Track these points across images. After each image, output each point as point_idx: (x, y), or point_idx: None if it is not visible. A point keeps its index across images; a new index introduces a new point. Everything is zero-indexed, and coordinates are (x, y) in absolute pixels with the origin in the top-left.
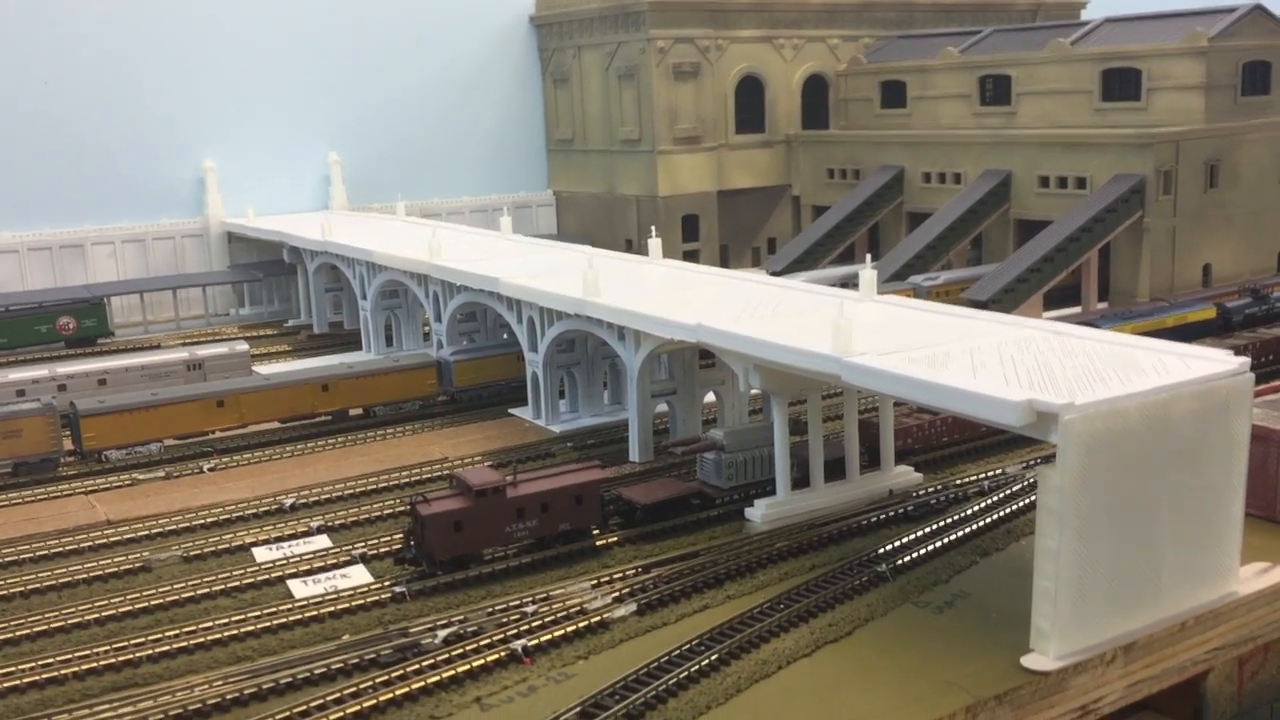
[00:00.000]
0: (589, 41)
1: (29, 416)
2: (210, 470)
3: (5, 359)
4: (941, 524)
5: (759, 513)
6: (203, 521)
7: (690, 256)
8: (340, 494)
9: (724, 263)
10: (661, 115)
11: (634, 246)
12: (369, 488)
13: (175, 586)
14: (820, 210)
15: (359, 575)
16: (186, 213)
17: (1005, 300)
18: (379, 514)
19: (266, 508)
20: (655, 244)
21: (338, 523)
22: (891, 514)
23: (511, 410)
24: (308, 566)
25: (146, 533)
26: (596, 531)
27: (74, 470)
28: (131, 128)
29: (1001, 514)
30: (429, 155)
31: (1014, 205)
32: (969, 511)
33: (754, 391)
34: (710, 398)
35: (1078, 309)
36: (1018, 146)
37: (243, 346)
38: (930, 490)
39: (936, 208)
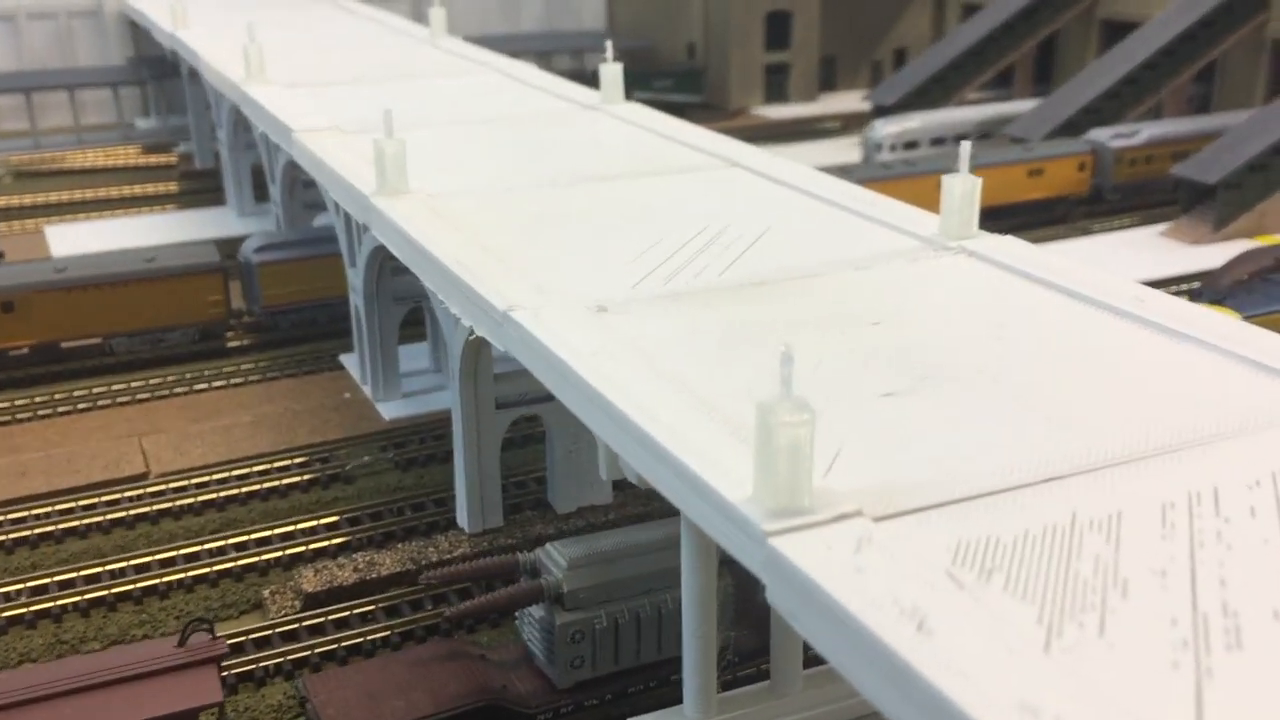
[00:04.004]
0: None
1: None
2: None
3: None
4: None
5: None
6: None
7: (776, 72)
8: None
9: (828, 84)
10: None
11: (696, 54)
12: None
13: None
14: (972, 10)
15: None
16: None
17: (1244, 188)
18: None
19: None
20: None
21: None
22: None
23: (344, 357)
24: None
25: None
26: None
27: None
28: None
29: None
30: None
31: (1276, 17)
32: None
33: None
34: None
35: None
36: None
37: None
38: None
39: (1148, 16)
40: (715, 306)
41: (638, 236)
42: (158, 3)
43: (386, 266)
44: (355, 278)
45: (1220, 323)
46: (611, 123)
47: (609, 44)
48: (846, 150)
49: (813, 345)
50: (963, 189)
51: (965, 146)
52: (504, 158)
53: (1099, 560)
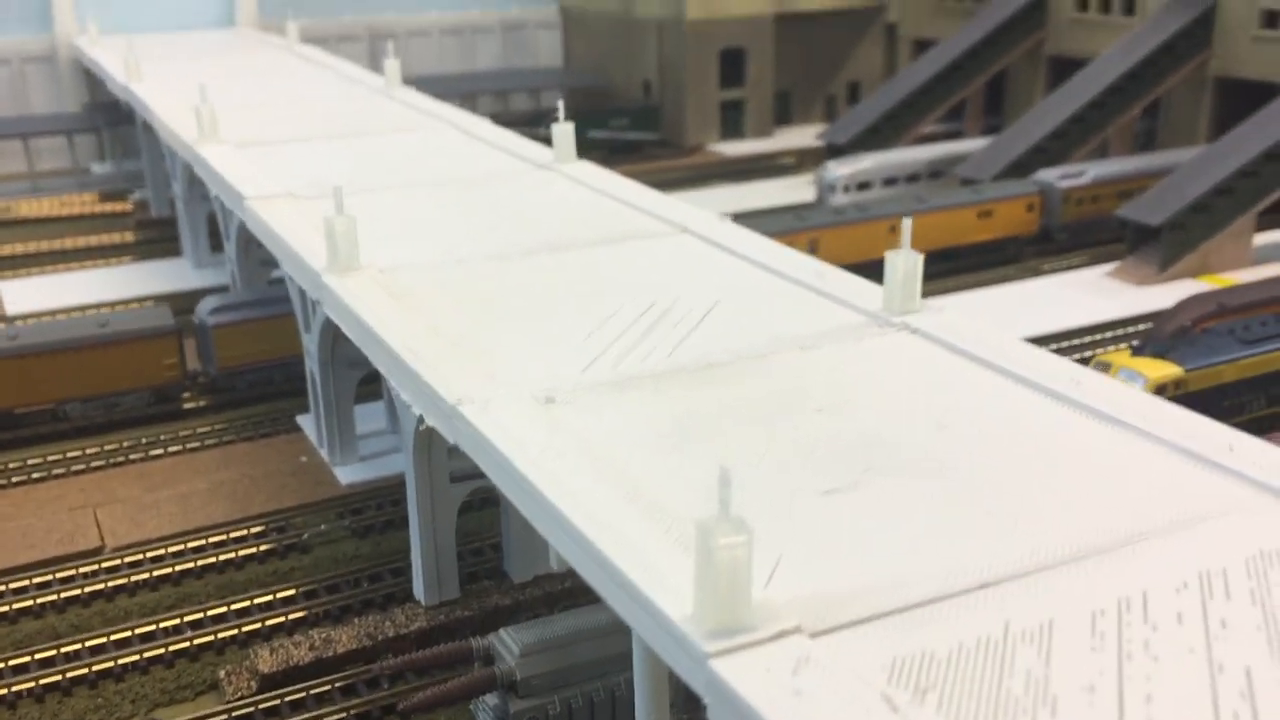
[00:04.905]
0: None
1: None
2: None
3: None
4: None
5: None
6: None
7: (732, 108)
8: None
9: (783, 118)
10: None
11: (652, 92)
12: None
13: None
14: (925, 47)
15: None
16: (28, 28)
17: (1188, 228)
18: None
19: None
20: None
21: None
22: None
23: (300, 418)
24: None
25: None
26: None
27: None
28: None
29: None
30: None
31: (1217, 55)
32: None
33: None
34: None
35: None
36: None
37: None
38: None
39: (1094, 53)
40: (663, 393)
41: (588, 313)
42: (111, 53)
43: (341, 332)
44: (310, 343)
45: (1151, 407)
46: (564, 184)
47: (560, 104)
48: (801, 188)
49: (758, 437)
50: (905, 266)
51: (907, 224)
52: (456, 225)
53: (1030, 676)
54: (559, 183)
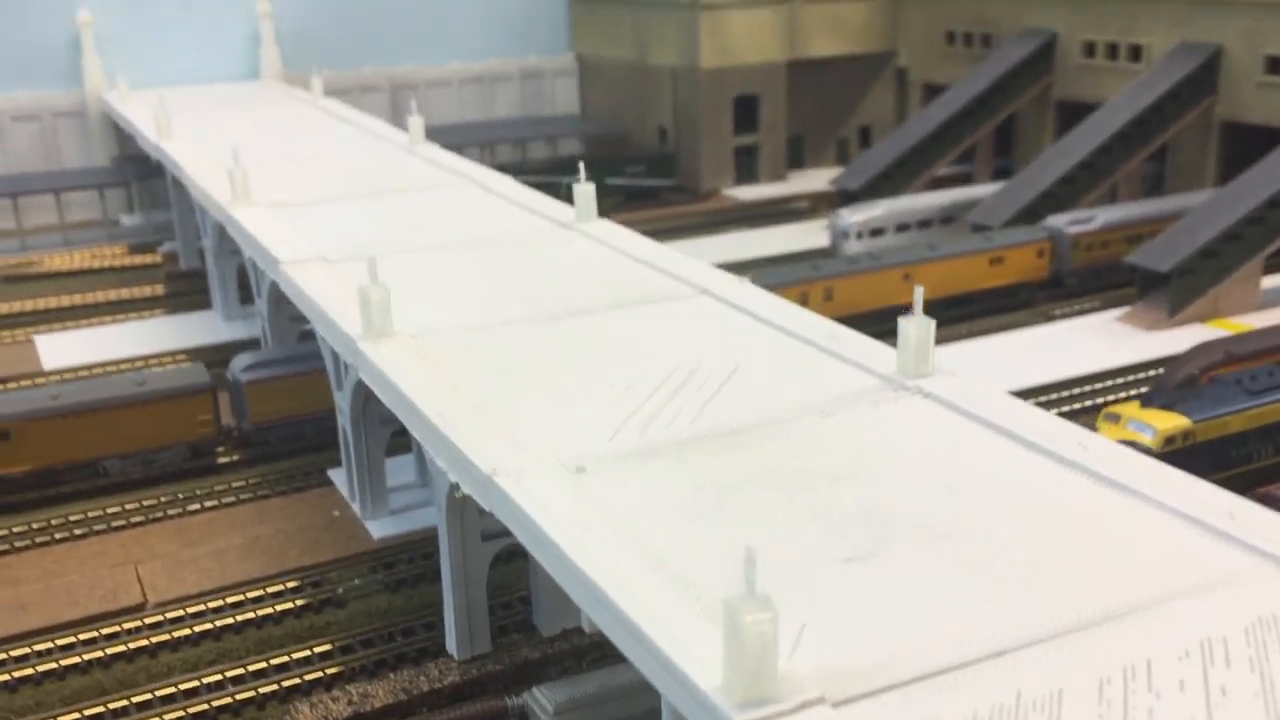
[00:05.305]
0: None
1: None
2: None
3: None
4: None
5: None
6: None
7: (746, 153)
8: None
9: (796, 162)
10: None
11: (667, 138)
12: None
13: None
14: (935, 91)
15: None
16: (59, 84)
17: (1196, 274)
18: None
19: None
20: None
21: None
22: None
23: (332, 472)
24: None
25: None
26: None
27: None
28: None
29: None
30: (402, 3)
31: (1223, 100)
32: None
33: None
34: None
35: None
36: (1236, 7)
37: None
38: None
39: (1103, 98)
40: (687, 461)
41: (613, 379)
42: (141, 109)
43: (373, 391)
44: (343, 401)
45: (1155, 471)
46: (586, 244)
47: (581, 166)
48: (815, 233)
49: (778, 505)
50: (917, 334)
51: (918, 292)
52: (483, 287)
53: None
54: (580, 242)
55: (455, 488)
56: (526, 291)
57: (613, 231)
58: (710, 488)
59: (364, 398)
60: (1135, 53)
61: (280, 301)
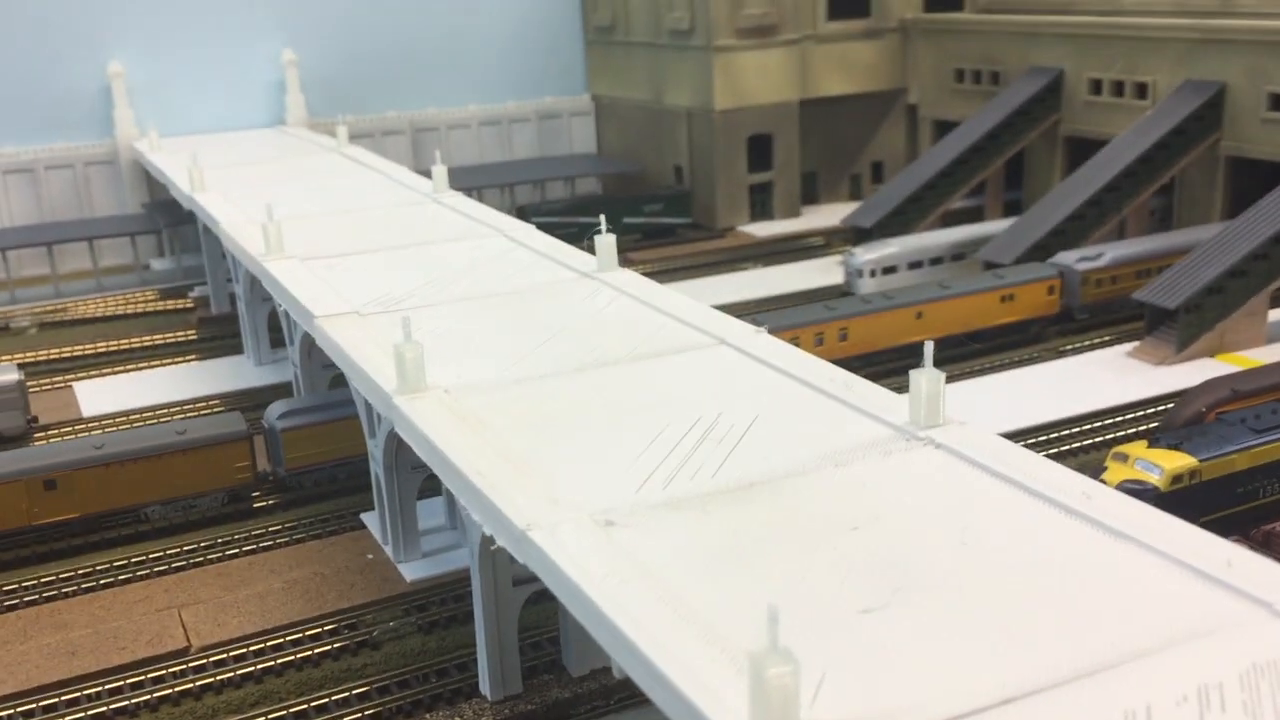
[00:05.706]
0: None
1: None
2: None
3: None
4: None
5: None
6: None
7: (760, 191)
8: None
9: (810, 198)
10: None
11: (683, 177)
12: None
13: None
14: (946, 127)
15: None
16: (90, 133)
17: (1203, 310)
18: None
19: None
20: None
21: None
22: None
23: (365, 515)
24: None
25: None
26: None
27: None
28: (8, 19)
29: None
30: (421, 49)
31: (1228, 136)
32: None
33: None
34: None
35: None
36: (1238, 46)
37: (12, 375)
38: None
39: (1109, 133)
40: (711, 513)
41: (638, 431)
42: (172, 159)
43: (394, 441)
44: (375, 449)
45: (1155, 521)
46: (608, 294)
47: (602, 218)
48: (829, 269)
49: (798, 557)
50: (929, 386)
51: (929, 346)
52: (510, 340)
53: None
54: (603, 293)
55: (491, 540)
56: (551, 344)
57: (632, 280)
58: (732, 538)
59: (396, 445)
60: (1141, 90)
61: (312, 349)
